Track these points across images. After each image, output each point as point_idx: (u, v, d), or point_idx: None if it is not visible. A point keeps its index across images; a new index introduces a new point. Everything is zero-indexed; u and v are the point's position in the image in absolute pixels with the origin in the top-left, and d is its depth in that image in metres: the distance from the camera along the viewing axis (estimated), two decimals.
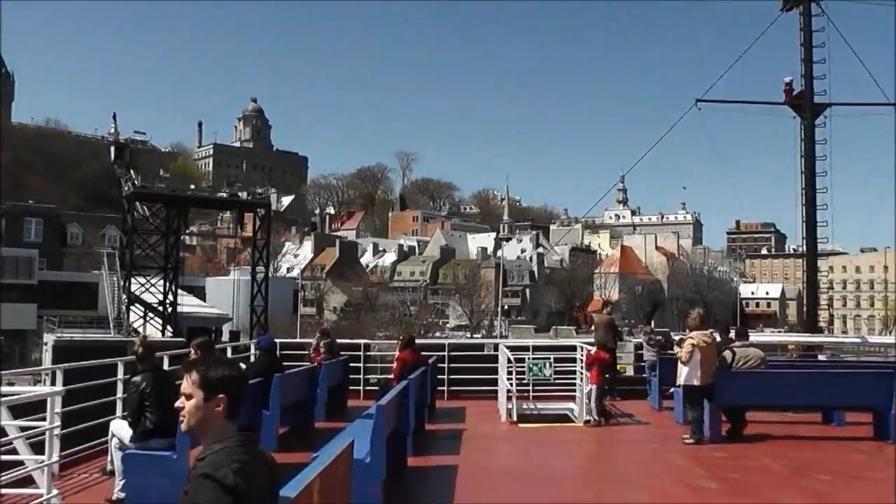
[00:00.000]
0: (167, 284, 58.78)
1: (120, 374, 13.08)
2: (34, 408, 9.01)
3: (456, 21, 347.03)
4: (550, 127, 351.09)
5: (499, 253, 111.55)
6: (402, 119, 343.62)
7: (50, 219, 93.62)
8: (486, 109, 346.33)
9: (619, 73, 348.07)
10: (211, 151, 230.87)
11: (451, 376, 20.68)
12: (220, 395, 3.42)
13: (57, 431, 8.57)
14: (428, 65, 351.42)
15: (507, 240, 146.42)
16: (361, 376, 20.30)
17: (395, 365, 14.62)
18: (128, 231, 61.33)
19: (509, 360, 16.18)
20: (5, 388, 8.89)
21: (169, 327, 57.35)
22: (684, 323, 14.77)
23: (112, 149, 72.85)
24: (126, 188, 62.21)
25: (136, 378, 9.26)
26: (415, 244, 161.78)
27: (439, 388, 19.56)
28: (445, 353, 20.91)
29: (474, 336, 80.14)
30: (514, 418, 15.94)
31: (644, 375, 20.27)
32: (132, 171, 64.29)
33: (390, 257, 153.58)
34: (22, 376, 15.72)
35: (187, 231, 71.00)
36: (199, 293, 74.59)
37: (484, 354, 21.43)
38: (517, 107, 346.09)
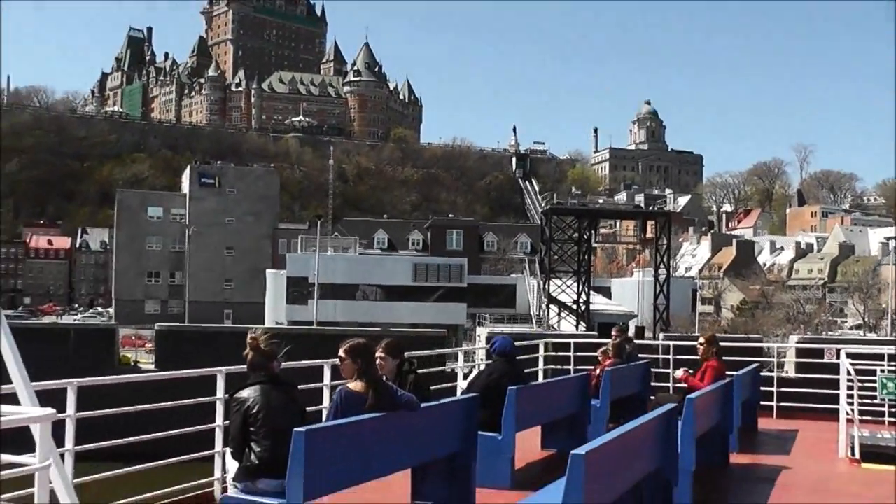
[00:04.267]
0: (580, 286, 65.11)
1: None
2: None
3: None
4: None
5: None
6: (798, 109, 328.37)
7: (469, 230, 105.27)
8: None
9: None
10: (607, 156, 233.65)
11: (783, 389, 15.37)
12: None
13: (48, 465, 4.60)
14: (819, 52, 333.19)
15: None
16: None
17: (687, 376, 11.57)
18: (545, 241, 68.35)
19: (849, 374, 11.50)
20: None
21: (583, 323, 63.84)
22: None
23: (514, 159, 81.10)
24: (535, 200, 69.34)
25: (243, 393, 6.17)
26: (813, 241, 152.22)
27: (766, 402, 14.80)
28: (774, 359, 16.52)
29: (868, 335, 76.40)
30: (857, 455, 11.05)
31: None
32: (533, 181, 71.48)
33: (787, 255, 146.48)
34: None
35: (597, 239, 76.81)
36: (605, 293, 79.48)
37: (828, 363, 15.97)
38: None
